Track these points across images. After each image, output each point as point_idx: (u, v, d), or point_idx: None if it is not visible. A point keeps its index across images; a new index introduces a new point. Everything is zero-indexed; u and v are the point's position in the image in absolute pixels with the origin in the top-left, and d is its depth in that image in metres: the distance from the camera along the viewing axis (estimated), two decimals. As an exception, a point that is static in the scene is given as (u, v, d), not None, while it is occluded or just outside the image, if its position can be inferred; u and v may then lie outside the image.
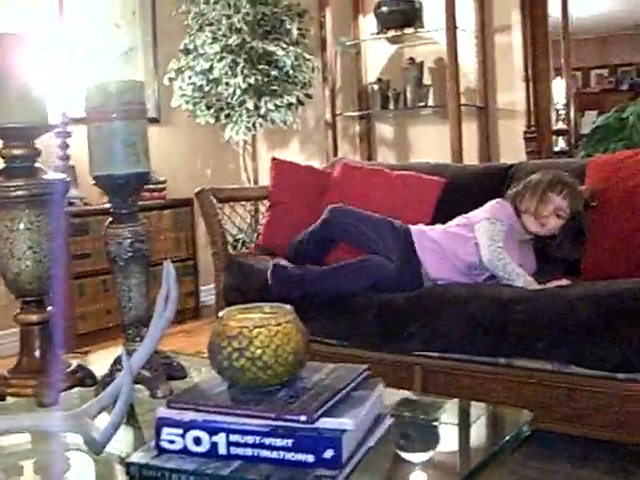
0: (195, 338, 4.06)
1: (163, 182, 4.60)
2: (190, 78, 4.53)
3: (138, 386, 1.55)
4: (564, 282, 2.41)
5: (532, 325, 2.23)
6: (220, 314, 1.22)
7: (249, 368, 1.14)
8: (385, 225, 2.69)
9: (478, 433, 1.40)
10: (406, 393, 1.58)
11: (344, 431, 1.08)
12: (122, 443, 1.28)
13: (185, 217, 4.66)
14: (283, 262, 2.67)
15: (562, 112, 5.49)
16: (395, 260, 2.59)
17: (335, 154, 4.76)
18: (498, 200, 2.66)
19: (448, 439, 1.32)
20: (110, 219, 1.58)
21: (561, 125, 5.45)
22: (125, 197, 1.55)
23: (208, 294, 4.51)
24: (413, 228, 2.73)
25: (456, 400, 1.46)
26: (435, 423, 1.39)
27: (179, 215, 4.62)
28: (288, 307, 1.23)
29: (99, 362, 1.68)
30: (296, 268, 2.63)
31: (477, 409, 1.46)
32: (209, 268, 3.04)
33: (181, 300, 4.60)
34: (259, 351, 1.14)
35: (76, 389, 1.61)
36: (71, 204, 4.10)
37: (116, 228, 1.56)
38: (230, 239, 3.20)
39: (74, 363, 1.65)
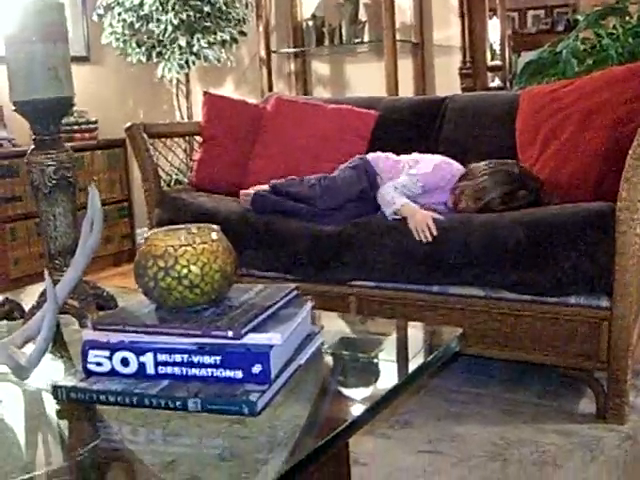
0: (131, 280, 4.00)
1: (94, 122, 4.50)
2: (120, 15, 4.40)
3: (67, 316, 1.53)
4: (429, 219, 2.35)
5: (464, 253, 2.25)
6: (146, 235, 1.19)
7: (175, 287, 1.13)
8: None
9: (408, 349, 1.42)
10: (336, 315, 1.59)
11: (272, 346, 1.07)
12: (53, 373, 1.26)
13: (119, 158, 4.57)
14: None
15: (498, 51, 5.50)
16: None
17: (270, 92, 4.69)
18: (446, 161, 2.62)
19: (378, 356, 1.33)
20: (32, 147, 1.53)
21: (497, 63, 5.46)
22: (47, 123, 1.50)
23: (144, 236, 4.45)
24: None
25: (384, 319, 1.47)
26: (361, 342, 1.41)
27: (112, 156, 4.53)
28: (215, 226, 1.22)
29: (30, 297, 1.65)
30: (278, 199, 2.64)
31: (406, 327, 1.48)
32: (145, 210, 2.99)
33: (117, 242, 4.54)
34: (185, 270, 1.12)
35: (4, 322, 1.58)
36: (-1, 146, 3.99)
37: (38, 155, 1.51)
38: (166, 178, 3.15)
39: (0, 297, 1.62)
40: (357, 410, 1.08)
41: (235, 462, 0.93)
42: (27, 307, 1.59)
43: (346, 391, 1.20)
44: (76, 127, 4.40)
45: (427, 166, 2.59)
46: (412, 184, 2.51)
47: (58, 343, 1.44)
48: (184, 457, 0.96)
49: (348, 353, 1.34)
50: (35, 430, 1.11)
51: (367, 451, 2.00)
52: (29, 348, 1.23)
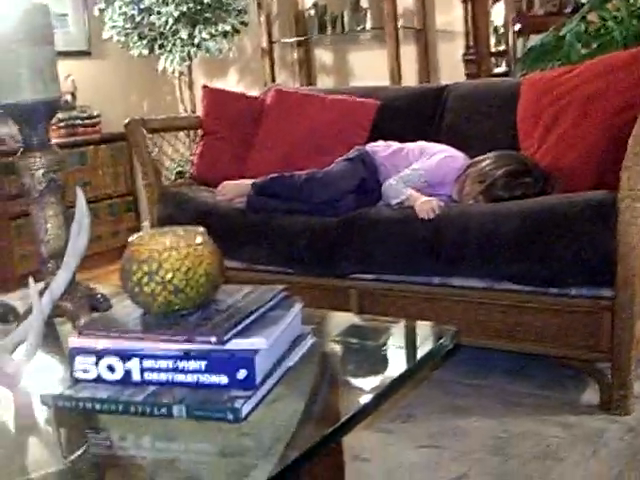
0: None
1: (97, 116, 4.50)
2: (121, 8, 4.39)
3: (62, 319, 1.53)
4: (433, 203, 2.35)
5: (464, 244, 2.23)
6: (130, 239, 1.18)
7: (160, 293, 1.12)
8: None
9: (400, 348, 1.41)
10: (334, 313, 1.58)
11: (257, 351, 1.06)
12: (45, 376, 1.26)
13: (122, 152, 4.56)
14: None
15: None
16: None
17: (273, 82, 4.67)
18: (452, 156, 2.59)
19: (369, 357, 1.32)
20: (21, 149, 1.53)
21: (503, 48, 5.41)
22: (34, 126, 1.49)
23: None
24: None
25: (376, 317, 1.46)
26: (354, 342, 1.40)
27: (116, 150, 4.52)
28: (201, 229, 1.21)
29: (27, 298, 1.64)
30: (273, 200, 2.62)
31: (399, 326, 1.47)
32: (149, 204, 2.99)
33: (123, 236, 4.54)
34: (169, 274, 1.11)
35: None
36: (2, 142, 3.99)
37: (27, 158, 1.50)
38: (167, 172, 3.15)
39: (-5, 300, 1.61)
40: (349, 407, 1.07)
41: (230, 461, 0.94)
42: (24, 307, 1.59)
43: (339, 389, 1.20)
44: (79, 122, 4.39)
45: (431, 161, 2.57)
46: (415, 178, 2.50)
47: (53, 345, 1.44)
48: (180, 459, 0.96)
49: (339, 353, 1.33)
50: (25, 436, 1.10)
51: (368, 446, 1.99)
52: (19, 353, 1.23)
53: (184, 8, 4.29)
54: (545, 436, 2.00)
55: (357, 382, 1.22)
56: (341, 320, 1.54)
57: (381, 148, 2.71)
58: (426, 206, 2.31)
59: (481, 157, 2.50)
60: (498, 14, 5.17)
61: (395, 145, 2.72)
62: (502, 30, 5.43)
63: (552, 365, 2.39)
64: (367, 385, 1.19)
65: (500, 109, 2.81)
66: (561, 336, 2.18)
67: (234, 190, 2.71)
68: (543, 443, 1.97)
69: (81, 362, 1.12)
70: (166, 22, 4.34)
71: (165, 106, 5.01)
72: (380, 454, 1.97)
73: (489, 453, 1.93)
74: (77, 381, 1.12)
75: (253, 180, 2.67)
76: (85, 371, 1.12)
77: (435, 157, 2.58)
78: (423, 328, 1.44)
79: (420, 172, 2.51)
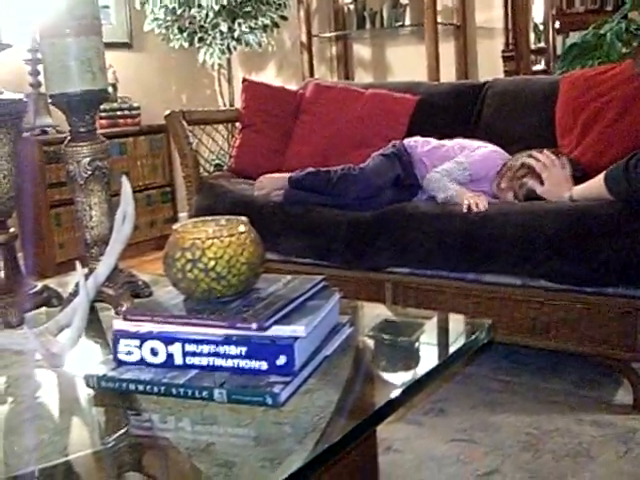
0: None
1: (137, 108, 4.55)
2: (162, 1, 4.44)
3: (104, 304, 1.57)
4: (481, 199, 2.36)
5: (500, 241, 2.24)
6: (174, 226, 1.21)
7: (203, 279, 1.15)
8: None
9: (436, 340, 1.42)
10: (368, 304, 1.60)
11: (296, 338, 1.09)
12: (89, 358, 1.29)
13: (161, 143, 4.62)
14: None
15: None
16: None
17: (312, 76, 4.70)
18: (496, 150, 2.60)
19: (404, 349, 1.33)
20: (68, 138, 1.57)
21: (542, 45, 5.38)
22: (82, 115, 1.53)
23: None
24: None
25: (413, 310, 1.47)
26: (389, 333, 1.41)
27: (155, 141, 4.58)
28: (243, 219, 1.23)
29: (70, 284, 1.68)
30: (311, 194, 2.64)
31: (434, 318, 1.48)
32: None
33: (160, 226, 4.60)
34: (212, 262, 1.14)
35: (43, 309, 1.62)
36: (45, 132, 4.06)
37: (74, 147, 1.55)
38: (206, 164, 3.18)
39: (39, 284, 1.66)
40: (383, 399, 1.09)
41: (265, 447, 0.95)
42: (66, 294, 1.63)
43: (373, 380, 1.22)
44: (119, 113, 4.45)
45: (475, 155, 2.58)
46: (459, 172, 2.50)
47: (95, 329, 1.47)
48: (217, 443, 0.98)
49: (376, 343, 1.35)
50: (69, 416, 1.14)
51: (400, 438, 2.01)
52: (65, 336, 1.27)
53: (224, 1, 4.34)
54: (577, 434, 2.01)
55: (391, 374, 1.24)
56: (376, 311, 1.56)
57: (419, 144, 2.71)
58: (474, 199, 2.33)
59: (523, 153, 2.50)
60: (538, 11, 5.14)
61: (434, 142, 2.72)
62: (542, 27, 5.40)
63: (586, 363, 2.39)
64: (400, 378, 1.20)
65: (539, 106, 2.81)
66: (595, 334, 2.18)
67: (272, 184, 2.74)
68: (575, 441, 1.97)
69: (125, 345, 1.15)
70: (206, 15, 4.39)
71: (204, 99, 5.05)
72: (412, 446, 1.99)
73: (521, 449, 1.94)
74: (120, 363, 1.16)
75: (290, 174, 2.70)
76: (129, 353, 1.15)
77: (479, 151, 2.59)
78: (457, 321, 1.45)
79: (465, 165, 2.52)
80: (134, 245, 4.32)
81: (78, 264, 1.28)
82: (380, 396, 1.14)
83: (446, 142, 2.70)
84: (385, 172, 2.60)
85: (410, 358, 1.30)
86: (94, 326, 1.48)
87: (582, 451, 1.92)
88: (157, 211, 4.61)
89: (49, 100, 1.54)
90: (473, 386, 2.33)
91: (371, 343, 1.36)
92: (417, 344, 1.36)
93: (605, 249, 2.11)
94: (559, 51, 4.81)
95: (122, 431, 1.03)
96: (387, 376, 1.24)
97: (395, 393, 1.10)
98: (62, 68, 1.48)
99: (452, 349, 1.29)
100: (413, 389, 1.14)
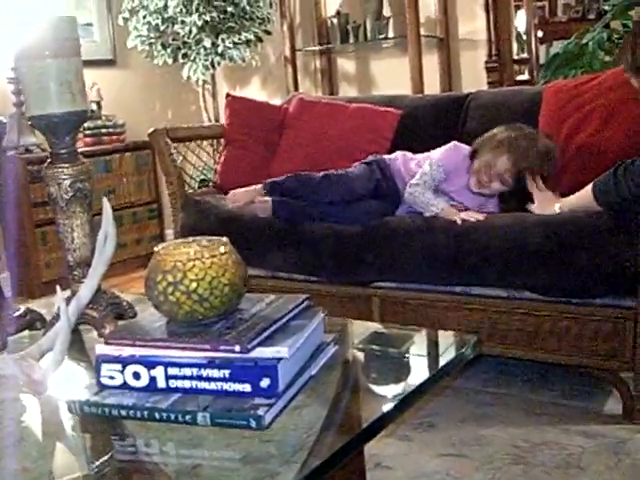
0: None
1: (122, 125, 4.54)
2: (145, 17, 4.44)
3: (87, 327, 1.55)
4: (476, 215, 2.34)
5: (486, 254, 2.23)
6: (156, 248, 1.20)
7: (184, 302, 1.14)
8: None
9: (421, 357, 1.42)
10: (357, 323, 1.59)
11: (280, 359, 1.08)
12: (72, 382, 1.28)
13: (147, 160, 4.60)
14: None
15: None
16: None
17: (296, 90, 4.70)
18: (456, 144, 2.62)
19: (390, 365, 1.33)
20: (48, 160, 1.56)
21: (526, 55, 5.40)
22: (62, 137, 1.51)
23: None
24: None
25: (395, 326, 1.47)
26: (376, 350, 1.41)
27: (140, 158, 4.56)
28: (224, 239, 1.22)
29: (54, 306, 1.67)
30: (298, 202, 2.63)
31: (421, 335, 1.48)
32: (174, 211, 3.02)
33: (147, 243, 4.58)
34: (194, 284, 1.13)
35: (26, 332, 1.61)
36: (29, 151, 4.04)
37: (55, 168, 1.54)
38: (191, 180, 3.17)
39: (22, 307, 1.64)
40: (371, 415, 1.08)
41: (252, 468, 0.95)
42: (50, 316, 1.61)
43: (359, 398, 1.21)
44: (104, 130, 4.44)
45: (438, 151, 2.61)
46: (435, 171, 2.51)
47: (79, 351, 1.46)
48: (204, 465, 0.98)
49: (361, 361, 1.35)
50: (52, 442, 1.13)
51: (389, 454, 2.00)
52: (46, 360, 1.25)
53: (207, 17, 4.33)
54: (567, 445, 2.00)
55: (378, 390, 1.23)
56: (363, 329, 1.55)
57: (398, 156, 2.74)
58: (467, 215, 2.34)
59: (478, 140, 2.53)
60: (521, 21, 5.17)
61: (409, 155, 2.74)
62: (524, 37, 5.43)
63: (574, 374, 2.38)
64: (388, 393, 1.20)
65: (522, 117, 2.80)
66: (583, 345, 2.18)
67: (245, 196, 2.72)
68: (565, 452, 1.97)
69: (107, 369, 1.14)
70: (190, 31, 4.38)
71: (189, 114, 5.05)
72: (402, 462, 1.97)
73: (511, 462, 1.93)
74: (103, 387, 1.15)
75: (262, 183, 2.70)
76: (111, 378, 1.14)
77: (440, 148, 2.63)
78: (445, 337, 1.45)
79: (436, 162, 2.53)
80: (121, 263, 4.30)
81: (58, 288, 1.27)
82: (368, 412, 1.13)
83: (417, 156, 2.72)
84: (365, 178, 2.62)
85: (397, 374, 1.29)
86: (78, 348, 1.47)
87: (573, 462, 1.91)
88: (143, 228, 4.59)
89: (28, 122, 1.53)
90: (461, 399, 2.32)
91: (358, 360, 1.36)
92: (404, 360, 1.36)
93: (590, 261, 2.11)
94: (542, 60, 4.83)
95: (107, 456, 1.02)
96: (375, 392, 1.23)
97: (383, 409, 1.10)
98: (41, 90, 1.47)
99: (440, 364, 1.28)
100: (401, 405, 1.13)
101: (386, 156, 2.74)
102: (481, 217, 2.32)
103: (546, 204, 2.30)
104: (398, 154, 2.74)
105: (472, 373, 2.48)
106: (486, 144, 2.48)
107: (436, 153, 2.62)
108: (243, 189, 2.74)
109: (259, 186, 2.70)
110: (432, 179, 2.49)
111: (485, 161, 2.45)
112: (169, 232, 4.68)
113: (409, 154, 2.74)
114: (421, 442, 2.08)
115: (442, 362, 1.29)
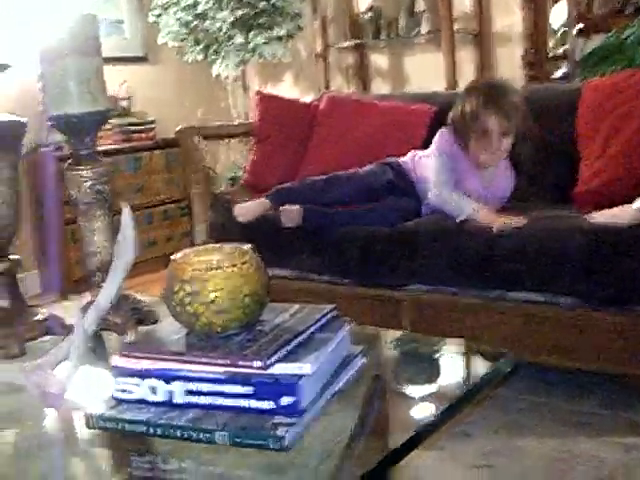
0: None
1: (152, 122, 4.52)
2: (176, 14, 4.40)
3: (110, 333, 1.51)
4: (516, 220, 2.26)
5: (521, 258, 2.16)
6: (173, 257, 1.15)
7: (203, 313, 1.08)
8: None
9: (454, 371, 1.35)
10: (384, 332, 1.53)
11: (302, 376, 1.02)
12: (93, 394, 1.24)
13: (177, 157, 4.56)
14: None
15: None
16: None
17: (328, 87, 4.64)
18: (442, 130, 2.60)
19: (421, 381, 1.26)
20: (69, 161, 1.51)
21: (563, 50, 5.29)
22: (82, 137, 1.47)
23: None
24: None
25: (431, 337, 1.40)
26: (406, 364, 1.35)
27: (170, 155, 4.52)
28: (247, 246, 1.16)
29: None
30: (326, 209, 2.60)
31: (454, 345, 1.41)
32: (204, 208, 2.99)
33: (177, 240, 4.55)
34: (213, 294, 1.08)
35: (48, 337, 1.57)
36: (59, 149, 4.02)
37: (75, 170, 1.49)
38: (222, 180, 3.13)
39: (44, 312, 1.60)
40: (398, 439, 1.02)
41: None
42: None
43: (387, 417, 1.15)
44: (134, 127, 4.42)
45: (434, 142, 2.60)
46: (443, 163, 2.48)
47: (100, 358, 1.42)
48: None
49: (390, 375, 1.28)
50: (68, 456, 1.09)
51: (420, 464, 1.94)
52: (62, 370, 1.21)
53: (239, 13, 4.28)
54: (605, 458, 1.92)
55: (408, 408, 1.17)
56: (393, 339, 1.49)
57: (408, 156, 2.73)
58: (507, 221, 2.27)
59: (453, 117, 2.54)
60: (558, 15, 5.06)
61: (420, 152, 2.74)
62: (562, 31, 5.31)
63: (614, 383, 2.30)
64: (418, 413, 1.13)
65: (560, 114, 2.73)
66: (623, 354, 2.09)
67: (253, 209, 2.68)
68: (604, 466, 1.89)
69: (124, 382, 1.09)
70: (221, 27, 4.34)
71: (219, 111, 5.00)
72: (434, 473, 1.91)
73: (547, 475, 1.86)
74: (120, 401, 1.10)
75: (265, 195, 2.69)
76: (127, 392, 1.09)
77: (434, 139, 2.63)
78: (479, 349, 1.38)
79: (435, 154, 2.54)
80: (152, 260, 4.27)
81: (80, 301, 1.22)
82: (397, 433, 1.07)
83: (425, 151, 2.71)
84: (378, 173, 2.63)
85: (428, 391, 1.23)
86: (100, 356, 1.42)
87: (611, 476, 1.83)
88: (174, 225, 4.56)
89: (49, 123, 1.48)
90: (497, 408, 2.24)
91: (387, 374, 1.29)
92: (435, 376, 1.29)
93: (629, 267, 2.03)
94: (578, 55, 4.72)
95: (124, 473, 0.98)
96: (404, 410, 1.17)
97: (412, 430, 1.03)
98: (61, 89, 1.43)
99: (473, 380, 1.22)
100: (431, 426, 1.06)
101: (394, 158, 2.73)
102: (522, 223, 2.23)
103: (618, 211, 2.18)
104: (408, 154, 2.71)
105: (508, 381, 2.40)
106: (465, 119, 2.46)
107: (433, 145, 2.60)
108: (249, 202, 2.70)
109: (263, 198, 2.66)
110: (445, 171, 2.46)
111: (481, 132, 2.43)
112: (199, 229, 4.64)
113: (419, 152, 2.72)
114: (453, 452, 2.01)
115: (477, 376, 1.22)
